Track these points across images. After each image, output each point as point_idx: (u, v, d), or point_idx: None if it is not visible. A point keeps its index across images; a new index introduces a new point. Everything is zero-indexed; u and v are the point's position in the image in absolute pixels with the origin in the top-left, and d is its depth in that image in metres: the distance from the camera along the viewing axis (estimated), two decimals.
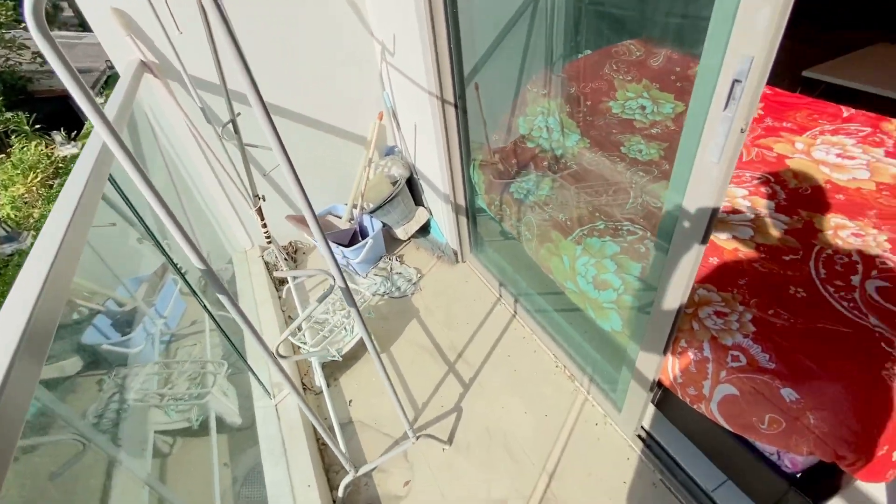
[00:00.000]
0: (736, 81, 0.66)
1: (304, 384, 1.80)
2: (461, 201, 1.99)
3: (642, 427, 1.39)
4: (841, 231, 1.30)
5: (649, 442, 1.38)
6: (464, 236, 2.14)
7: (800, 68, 2.51)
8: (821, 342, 1.01)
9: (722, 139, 0.71)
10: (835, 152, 1.62)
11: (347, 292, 0.92)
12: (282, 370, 0.96)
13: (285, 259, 2.17)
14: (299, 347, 1.80)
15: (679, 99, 2.15)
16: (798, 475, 1.02)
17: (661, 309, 1.04)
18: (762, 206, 1.44)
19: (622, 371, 1.32)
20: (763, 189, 1.52)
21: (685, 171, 0.83)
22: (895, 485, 1.20)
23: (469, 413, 1.61)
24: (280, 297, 2.18)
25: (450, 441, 1.53)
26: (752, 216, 1.40)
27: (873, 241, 1.25)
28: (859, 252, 1.22)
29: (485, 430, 1.54)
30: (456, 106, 1.67)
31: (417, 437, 1.41)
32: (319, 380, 1.65)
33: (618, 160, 1.82)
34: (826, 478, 1.00)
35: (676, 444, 1.34)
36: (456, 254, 2.22)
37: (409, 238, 2.38)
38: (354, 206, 2.18)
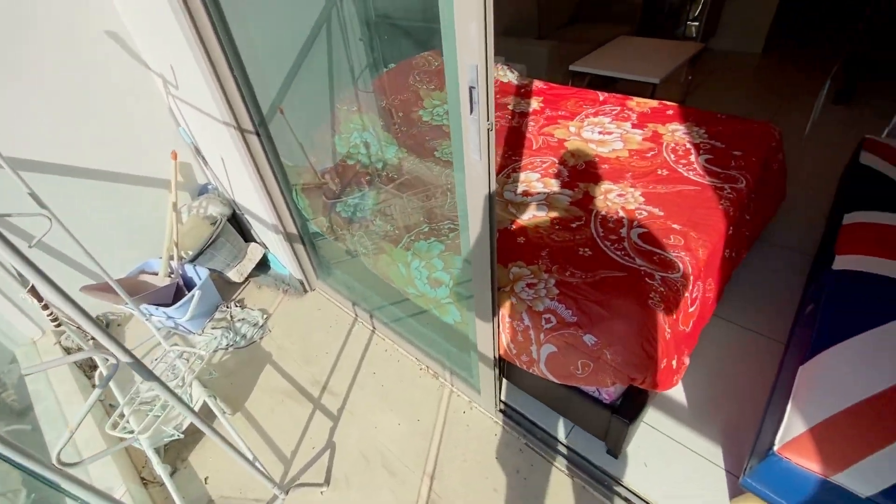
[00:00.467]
0: (472, 88, 0.74)
1: (143, 479, 1.52)
2: (292, 229, 1.90)
3: (501, 401, 1.51)
4: (609, 195, 1.58)
5: (509, 412, 1.50)
6: (306, 264, 2.05)
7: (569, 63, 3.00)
8: (606, 289, 1.21)
9: (477, 138, 0.80)
10: (598, 131, 1.97)
11: (140, 366, 0.80)
12: (78, 481, 0.79)
13: (91, 339, 1.81)
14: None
15: None
16: (615, 403, 1.21)
17: (479, 292, 1.13)
18: (552, 185, 1.68)
19: (472, 356, 1.41)
20: (551, 170, 1.76)
21: (461, 169, 0.91)
22: (687, 383, 1.51)
23: (343, 444, 1.55)
24: (94, 385, 1.81)
25: (327, 481, 1.45)
26: (546, 195, 1.62)
27: (632, 197, 1.56)
28: (623, 209, 1.50)
29: (361, 457, 1.50)
30: (258, 133, 1.58)
31: (287, 492, 1.31)
32: (159, 468, 1.41)
33: (434, 164, 1.93)
34: (634, 398, 1.21)
35: (531, 407, 1.49)
36: (303, 283, 2.12)
37: (247, 278, 2.20)
38: (171, 258, 1.92)
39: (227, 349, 1.92)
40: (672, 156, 1.74)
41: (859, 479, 0.89)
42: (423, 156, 2.00)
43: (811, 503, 0.98)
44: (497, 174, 1.80)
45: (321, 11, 1.93)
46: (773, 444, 0.99)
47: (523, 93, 2.42)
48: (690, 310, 1.26)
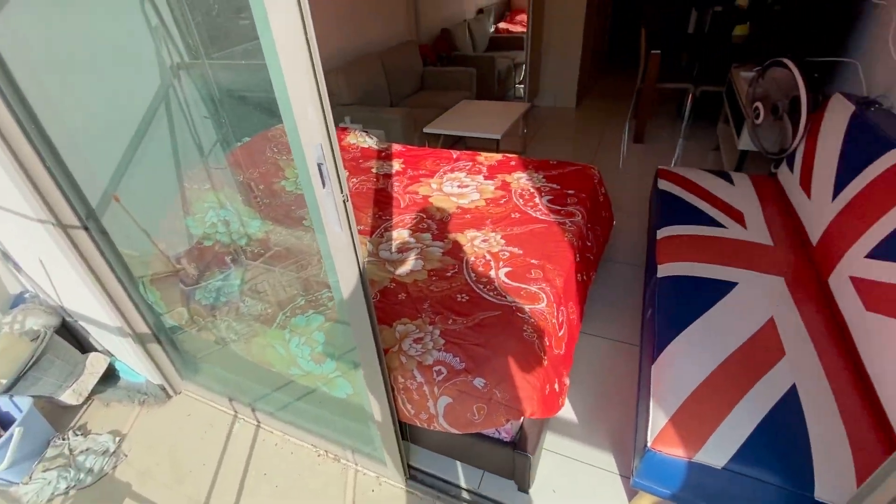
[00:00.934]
0: (320, 164, 0.76)
1: None
2: (143, 328, 1.65)
3: (409, 466, 1.45)
4: (475, 241, 1.71)
5: (419, 476, 1.45)
6: (166, 365, 1.78)
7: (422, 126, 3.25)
8: (485, 330, 1.28)
9: (334, 212, 0.82)
10: (456, 185, 2.15)
11: None
12: None
13: None
14: None
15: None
16: (515, 439, 1.25)
17: (366, 359, 1.10)
18: (424, 238, 1.76)
19: (371, 427, 1.34)
20: (421, 225, 1.86)
21: (325, 241, 0.91)
22: (573, 401, 1.63)
23: None
24: None
25: None
26: (420, 249, 1.69)
27: (494, 241, 1.70)
28: (489, 252, 1.64)
29: None
30: (86, 227, 1.38)
31: None
32: None
33: (304, 233, 1.89)
34: (530, 430, 1.27)
35: (439, 465, 1.46)
36: (164, 388, 1.82)
37: (89, 397, 1.82)
38: None
39: (67, 493, 1.54)
40: (521, 200, 1.97)
41: (713, 453, 1.05)
42: (291, 226, 1.94)
43: (690, 488, 1.11)
44: (371, 234, 1.83)
45: (156, 92, 1.82)
46: (646, 440, 1.12)
47: (384, 156, 2.54)
48: (560, 333, 1.40)
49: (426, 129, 3.10)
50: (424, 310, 1.38)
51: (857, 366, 1.16)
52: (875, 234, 1.25)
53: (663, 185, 2.12)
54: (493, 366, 1.18)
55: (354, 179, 2.31)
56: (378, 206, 2.04)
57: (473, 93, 4.13)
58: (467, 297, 1.42)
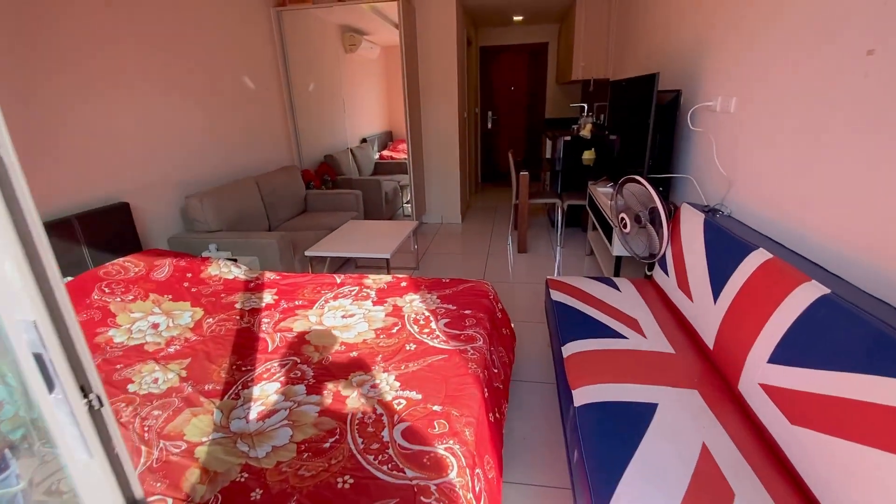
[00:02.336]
0: (37, 355, 0.44)
1: None
2: None
3: None
4: (363, 388, 1.39)
5: None
6: None
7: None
8: None
9: (75, 429, 0.47)
10: (340, 315, 1.85)
11: None
12: None
13: None
14: None
15: (197, 304, 1.99)
16: None
17: None
18: (296, 393, 1.38)
19: None
20: (293, 374, 1.48)
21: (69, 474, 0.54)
22: None
23: None
24: None
25: None
26: (288, 411, 1.30)
27: (387, 384, 1.40)
28: (380, 402, 1.31)
29: None
30: None
31: None
32: None
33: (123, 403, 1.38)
34: None
35: None
36: None
37: None
38: None
39: None
40: (415, 327, 1.73)
41: None
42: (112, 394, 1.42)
43: None
44: (222, 396, 1.39)
45: None
46: None
47: (254, 287, 2.17)
48: None
49: (308, 252, 2.83)
50: None
51: (807, 493, 1.02)
52: (769, 339, 1.23)
53: (556, 296, 2.08)
54: None
55: (210, 320, 1.88)
56: (238, 352, 1.63)
57: (361, 213, 4.06)
58: (352, 481, 1.04)
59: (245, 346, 1.67)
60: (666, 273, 2.02)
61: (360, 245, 2.92)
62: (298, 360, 1.55)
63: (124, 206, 2.39)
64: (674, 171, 2.45)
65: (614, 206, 2.38)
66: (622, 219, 2.25)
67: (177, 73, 2.80)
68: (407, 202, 5.42)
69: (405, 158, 5.41)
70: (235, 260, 2.62)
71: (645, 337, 1.67)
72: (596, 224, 3.27)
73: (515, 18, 5.72)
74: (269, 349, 1.64)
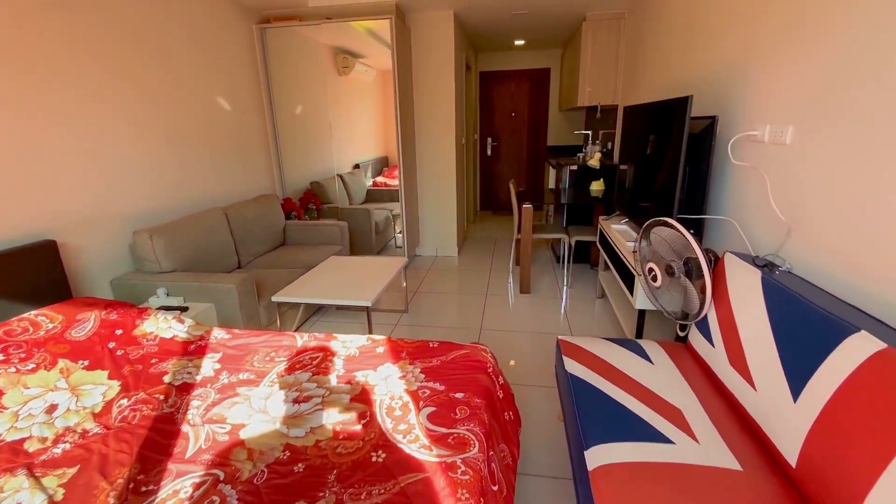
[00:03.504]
0: None
1: None
2: None
3: None
4: None
5: None
6: None
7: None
8: None
9: None
10: (292, 398, 1.42)
11: None
12: None
13: None
14: None
15: (116, 376, 1.57)
16: None
17: None
18: None
19: None
20: (210, 499, 1.05)
21: None
22: None
23: None
24: None
25: None
26: None
27: None
28: None
29: None
30: None
31: None
32: None
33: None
34: None
35: None
36: None
37: None
38: None
39: None
40: (389, 421, 1.30)
41: None
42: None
43: None
44: None
45: None
46: None
47: (195, 350, 1.75)
48: None
49: (276, 298, 2.41)
50: None
51: None
52: None
53: (572, 366, 1.66)
54: None
55: (124, 401, 1.45)
56: (145, 458, 1.19)
57: (346, 247, 3.67)
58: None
59: (158, 447, 1.24)
60: (710, 342, 1.61)
61: (339, 289, 2.50)
62: (222, 476, 1.12)
63: (49, 244, 1.98)
64: (708, 212, 2.07)
65: (639, 253, 1.98)
66: (650, 270, 1.85)
67: (131, 87, 2.45)
68: (399, 232, 5.04)
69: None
70: (185, 308, 2.21)
71: (697, 441, 1.24)
72: (609, 264, 2.88)
73: (517, 43, 5.48)
74: (188, 454, 1.21)
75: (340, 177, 5.06)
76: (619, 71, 4.13)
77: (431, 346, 1.70)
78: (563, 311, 3.19)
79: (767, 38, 1.73)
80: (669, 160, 2.02)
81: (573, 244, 3.52)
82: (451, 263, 4.38)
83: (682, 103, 1.86)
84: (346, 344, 1.74)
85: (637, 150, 2.63)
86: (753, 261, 1.60)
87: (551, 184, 5.07)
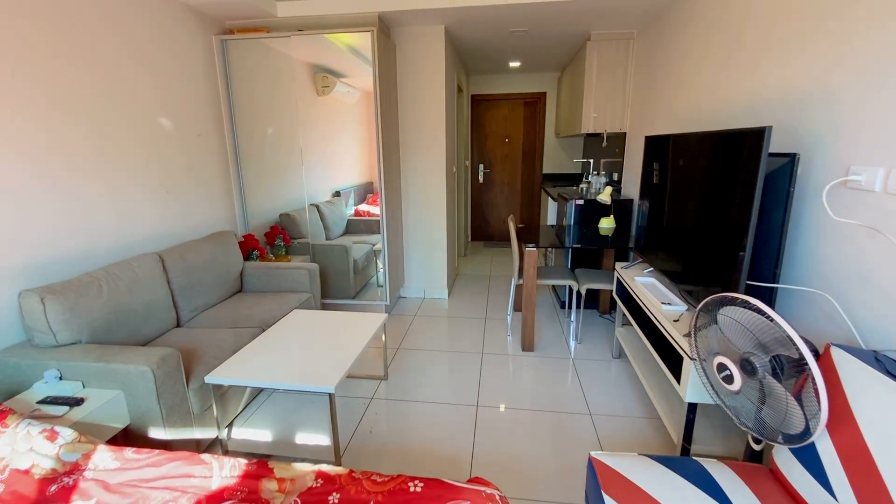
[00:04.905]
0: None
1: None
2: None
3: None
4: None
5: None
6: None
7: None
8: None
9: None
10: None
11: None
12: None
13: None
14: None
15: None
16: None
17: None
18: None
19: None
20: None
21: None
22: None
23: None
24: None
25: None
26: None
27: None
28: None
29: None
30: None
31: None
32: None
33: None
34: None
35: None
36: None
37: None
38: None
39: None
40: None
41: None
42: None
43: None
44: None
45: None
46: None
47: (55, 495, 1.16)
48: None
49: (210, 379, 1.84)
50: None
51: None
52: None
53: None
54: None
55: None
56: None
57: (316, 293, 3.11)
58: None
59: None
60: (825, 486, 1.08)
61: (295, 363, 1.94)
62: None
63: None
64: (785, 280, 1.58)
65: (700, 339, 1.47)
66: (722, 368, 1.33)
67: (45, 94, 1.91)
68: (378, 269, 4.50)
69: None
70: (80, 402, 1.62)
71: None
72: (631, 321, 2.37)
73: (512, 65, 5.09)
74: None
75: (316, 206, 4.51)
76: (628, 96, 3.72)
77: (412, 490, 1.14)
78: (576, 377, 2.65)
79: (874, 53, 1.28)
80: (732, 207, 1.53)
81: (583, 293, 3.02)
82: (441, 307, 3.84)
83: (755, 136, 1.39)
84: (284, 480, 1.17)
85: (674, 188, 2.15)
86: (875, 357, 1.11)
87: (550, 216, 4.60)
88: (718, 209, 1.64)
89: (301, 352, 2.05)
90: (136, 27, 2.42)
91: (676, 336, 1.69)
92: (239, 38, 3.14)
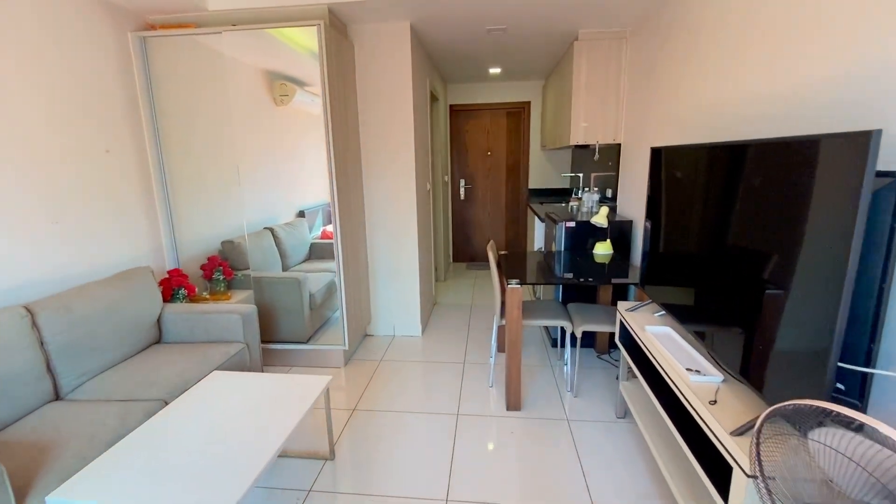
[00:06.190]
0: None
1: None
2: None
3: None
4: None
5: None
6: None
7: None
8: None
9: None
10: None
11: None
12: None
13: None
14: None
15: None
16: None
17: None
18: None
19: None
20: None
21: None
22: None
23: None
24: None
25: None
26: None
27: None
28: None
29: None
30: None
31: None
32: None
33: None
34: None
35: None
36: None
37: None
38: None
39: None
40: None
41: None
42: None
43: None
44: None
45: None
46: None
47: None
48: None
49: (51, 499, 1.27)
50: None
51: None
52: None
53: None
54: None
55: None
56: None
57: (254, 342, 2.55)
58: None
59: None
60: None
61: (186, 469, 1.38)
62: None
63: None
64: (889, 360, 1.08)
65: (764, 456, 0.95)
66: None
67: None
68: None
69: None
70: None
71: None
72: (637, 372, 1.87)
73: (492, 71, 4.65)
74: None
75: (271, 230, 3.95)
76: (622, 103, 3.28)
77: None
78: (572, 448, 2.12)
79: None
80: (812, 247, 1.04)
81: (579, 336, 2.51)
82: (413, 348, 3.29)
83: (853, 142, 0.89)
84: None
85: (700, 213, 1.67)
86: None
87: (538, 238, 4.11)
88: (780, 248, 1.15)
89: (203, 444, 1.49)
90: (16, 17, 1.88)
91: (718, 431, 1.18)
92: (162, 35, 2.62)
